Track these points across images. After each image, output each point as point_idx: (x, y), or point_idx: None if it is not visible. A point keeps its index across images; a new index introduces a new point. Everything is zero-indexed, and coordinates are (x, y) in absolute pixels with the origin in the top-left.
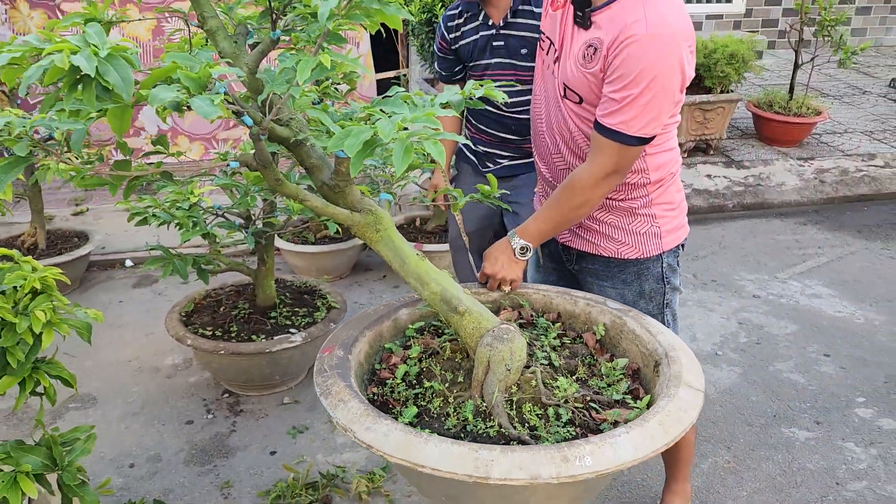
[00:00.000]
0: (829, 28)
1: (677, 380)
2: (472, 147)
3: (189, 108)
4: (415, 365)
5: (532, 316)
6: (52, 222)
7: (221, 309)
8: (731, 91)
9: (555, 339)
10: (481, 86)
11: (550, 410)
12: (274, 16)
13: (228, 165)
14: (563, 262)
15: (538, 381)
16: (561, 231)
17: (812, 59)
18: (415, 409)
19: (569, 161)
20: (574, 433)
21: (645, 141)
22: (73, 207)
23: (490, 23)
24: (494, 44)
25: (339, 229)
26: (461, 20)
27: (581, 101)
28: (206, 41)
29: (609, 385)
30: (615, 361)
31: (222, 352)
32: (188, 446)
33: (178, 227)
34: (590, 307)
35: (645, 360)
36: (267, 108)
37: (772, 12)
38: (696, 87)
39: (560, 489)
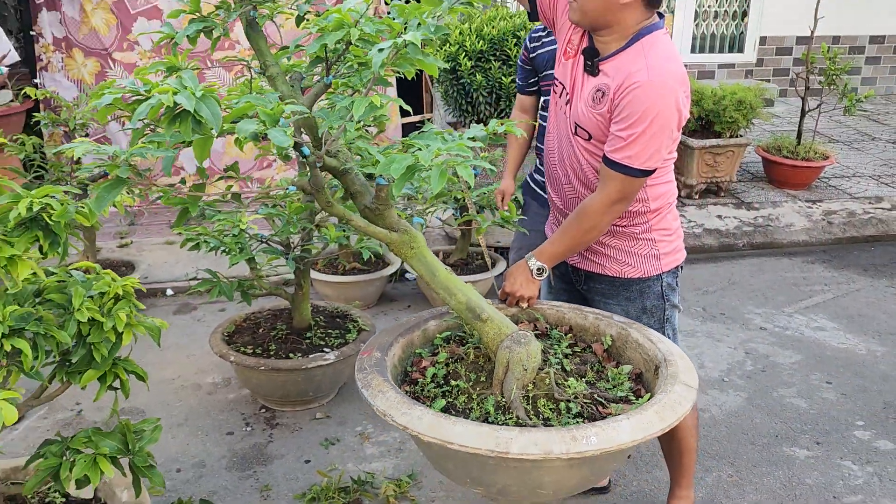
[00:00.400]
0: (834, 77)
1: (674, 378)
2: (539, 178)
3: (265, 137)
4: (442, 368)
5: (546, 328)
6: (99, 253)
7: (260, 330)
8: (740, 136)
9: (567, 348)
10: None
11: (562, 405)
12: (328, 64)
13: (288, 190)
14: (573, 283)
15: (551, 380)
16: (573, 254)
17: (818, 106)
18: (443, 402)
19: (578, 190)
20: (583, 423)
21: (648, 173)
22: (118, 240)
23: None
24: None
25: (373, 256)
26: (543, 33)
27: (590, 137)
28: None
29: (614, 387)
30: (621, 367)
31: (262, 367)
32: (229, 454)
33: (224, 252)
34: (598, 321)
35: (647, 365)
36: (322, 141)
37: (783, 62)
38: (707, 131)
39: (570, 471)
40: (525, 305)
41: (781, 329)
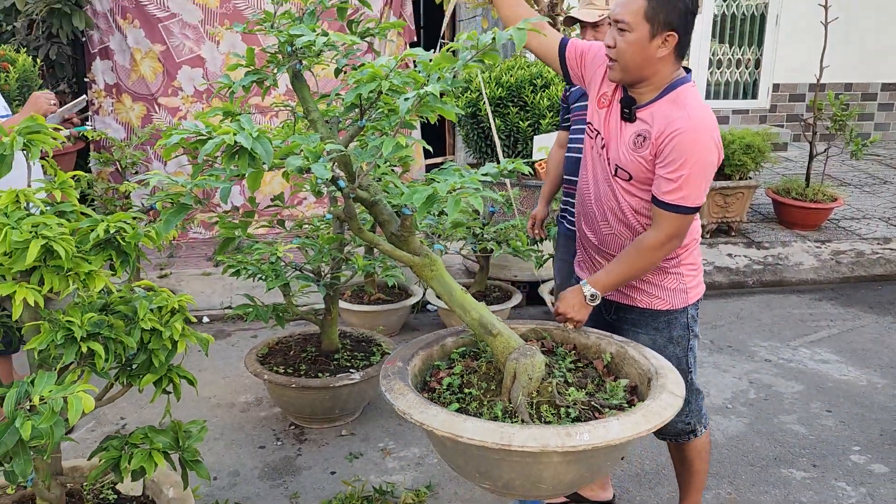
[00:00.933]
0: (840, 122)
1: (662, 388)
2: (569, 209)
3: (308, 171)
4: (457, 378)
5: (553, 346)
6: None
7: (291, 352)
8: (750, 178)
9: (570, 363)
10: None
11: (562, 410)
12: (362, 110)
13: (325, 217)
14: (602, 313)
15: (553, 389)
16: (624, 284)
17: (826, 150)
18: (456, 405)
19: (615, 228)
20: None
21: (698, 209)
22: (158, 272)
23: None
24: None
25: (397, 288)
26: None
27: (630, 178)
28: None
29: (611, 397)
30: (618, 381)
31: (293, 385)
32: (261, 465)
33: (261, 279)
34: (599, 340)
35: (641, 378)
36: (355, 176)
37: (795, 108)
38: (717, 173)
39: (566, 466)
40: (572, 328)
41: (785, 361)
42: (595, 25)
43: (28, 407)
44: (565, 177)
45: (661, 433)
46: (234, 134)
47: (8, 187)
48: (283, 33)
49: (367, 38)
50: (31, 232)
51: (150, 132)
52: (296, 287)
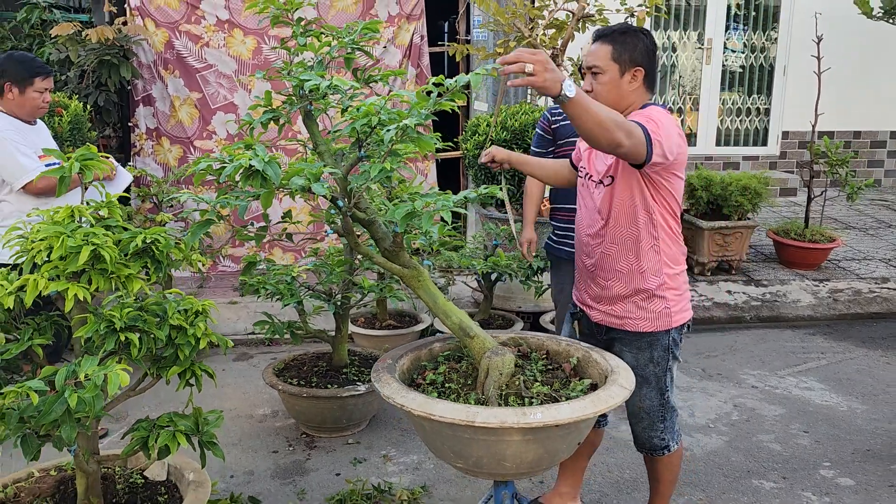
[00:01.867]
0: (836, 167)
1: (613, 382)
2: (557, 233)
3: (310, 190)
4: (440, 376)
5: (528, 351)
6: None
7: (304, 368)
8: (748, 219)
9: (541, 366)
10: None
11: (526, 400)
12: (360, 143)
13: (327, 232)
14: (596, 335)
15: (520, 383)
16: (584, 120)
17: (822, 193)
18: (435, 394)
19: (608, 248)
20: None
21: (650, 153)
22: None
23: None
24: None
25: (407, 313)
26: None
27: (613, 180)
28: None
29: (571, 392)
30: (582, 381)
31: (304, 395)
32: (274, 467)
33: (278, 298)
34: (569, 346)
35: (601, 377)
36: (351, 197)
37: (805, 154)
38: (716, 214)
39: (526, 445)
40: (530, 69)
41: (771, 388)
42: None
43: (74, 382)
44: (557, 205)
45: (638, 446)
46: (250, 159)
47: (65, 204)
48: (295, 79)
49: (371, 83)
50: (82, 240)
51: (186, 171)
52: (310, 308)
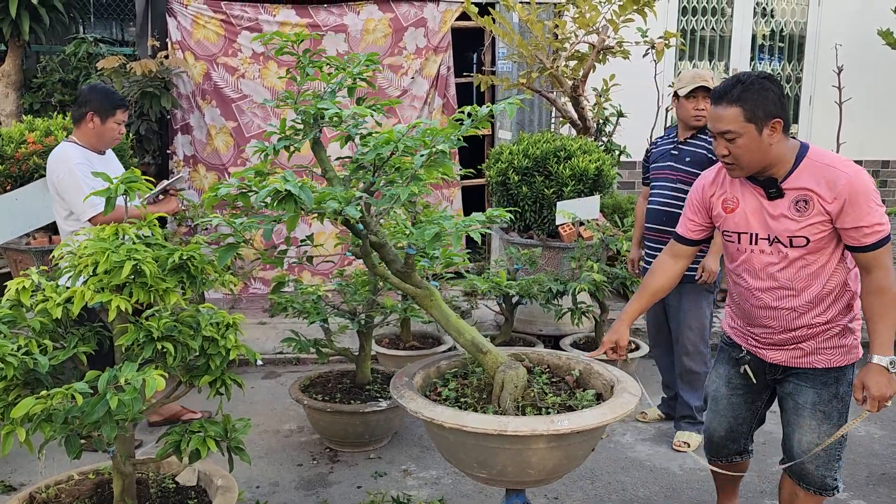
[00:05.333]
0: None
1: (623, 390)
2: (648, 253)
3: (342, 213)
4: (452, 392)
5: (531, 366)
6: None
7: (329, 384)
8: None
9: (546, 379)
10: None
11: (543, 410)
12: (376, 168)
13: (346, 254)
14: (766, 375)
15: (535, 394)
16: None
17: None
18: (455, 406)
19: (796, 306)
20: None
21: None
22: None
23: (675, 138)
24: (672, 152)
25: (430, 335)
26: (661, 138)
27: (808, 242)
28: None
29: (582, 401)
30: (586, 391)
31: (328, 410)
32: (298, 479)
33: (304, 316)
34: (569, 360)
35: (605, 387)
36: (368, 222)
37: None
38: None
39: (550, 452)
40: (888, 403)
41: None
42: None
43: (115, 386)
44: (647, 225)
45: (807, 483)
46: (284, 183)
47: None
48: (305, 108)
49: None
50: (125, 255)
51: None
52: (335, 327)
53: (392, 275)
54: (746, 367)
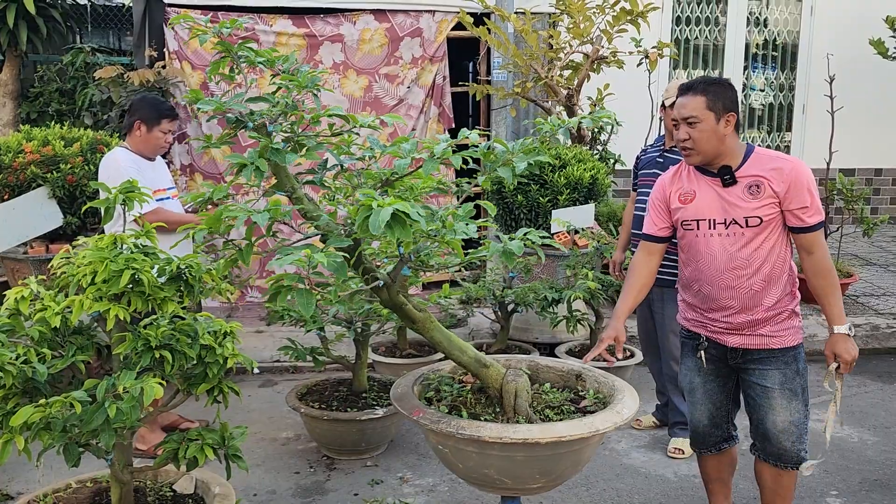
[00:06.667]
0: (852, 204)
1: (622, 395)
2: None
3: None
4: (445, 407)
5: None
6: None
7: (326, 392)
8: None
9: (549, 385)
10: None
11: (557, 409)
12: (383, 184)
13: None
14: (725, 360)
15: (547, 396)
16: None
17: (839, 228)
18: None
19: (752, 285)
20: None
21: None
22: None
23: (661, 147)
24: (658, 160)
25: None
26: (650, 146)
27: (761, 222)
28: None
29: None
30: (588, 392)
31: (325, 418)
32: (295, 486)
33: (301, 324)
34: (565, 365)
35: (596, 388)
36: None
37: (822, 192)
38: None
39: (591, 449)
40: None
41: None
42: None
43: (114, 394)
44: (634, 231)
45: (784, 462)
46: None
47: (109, 232)
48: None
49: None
50: (123, 265)
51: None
52: (332, 335)
53: (411, 309)
54: (702, 352)
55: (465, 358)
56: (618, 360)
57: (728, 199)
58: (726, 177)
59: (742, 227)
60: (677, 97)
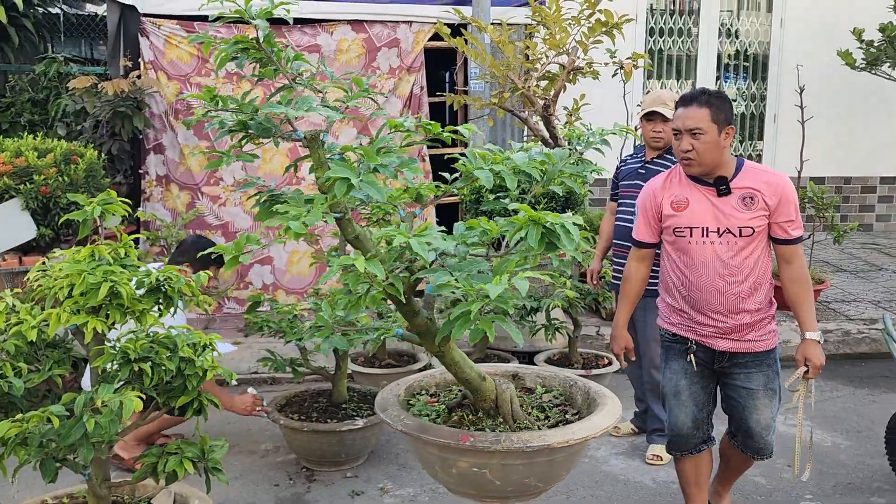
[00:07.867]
0: (822, 211)
1: (603, 402)
2: (616, 268)
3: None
4: (426, 416)
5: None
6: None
7: (305, 403)
8: None
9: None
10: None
11: (546, 412)
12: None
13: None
14: (710, 364)
15: (535, 398)
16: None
17: (810, 236)
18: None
19: (739, 290)
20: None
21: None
22: None
23: (642, 157)
24: (640, 171)
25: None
26: (630, 156)
27: (753, 232)
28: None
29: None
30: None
31: (305, 429)
32: (275, 499)
33: (279, 335)
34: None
35: (581, 394)
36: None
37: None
38: None
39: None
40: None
41: None
42: (665, 120)
43: (92, 408)
44: (616, 241)
45: (762, 456)
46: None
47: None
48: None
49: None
50: (102, 277)
51: (193, 216)
52: (312, 346)
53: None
54: (692, 356)
55: (472, 374)
56: (629, 363)
57: (722, 209)
58: (722, 187)
59: (735, 236)
60: (677, 107)
